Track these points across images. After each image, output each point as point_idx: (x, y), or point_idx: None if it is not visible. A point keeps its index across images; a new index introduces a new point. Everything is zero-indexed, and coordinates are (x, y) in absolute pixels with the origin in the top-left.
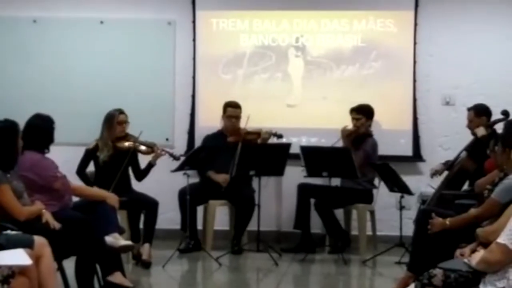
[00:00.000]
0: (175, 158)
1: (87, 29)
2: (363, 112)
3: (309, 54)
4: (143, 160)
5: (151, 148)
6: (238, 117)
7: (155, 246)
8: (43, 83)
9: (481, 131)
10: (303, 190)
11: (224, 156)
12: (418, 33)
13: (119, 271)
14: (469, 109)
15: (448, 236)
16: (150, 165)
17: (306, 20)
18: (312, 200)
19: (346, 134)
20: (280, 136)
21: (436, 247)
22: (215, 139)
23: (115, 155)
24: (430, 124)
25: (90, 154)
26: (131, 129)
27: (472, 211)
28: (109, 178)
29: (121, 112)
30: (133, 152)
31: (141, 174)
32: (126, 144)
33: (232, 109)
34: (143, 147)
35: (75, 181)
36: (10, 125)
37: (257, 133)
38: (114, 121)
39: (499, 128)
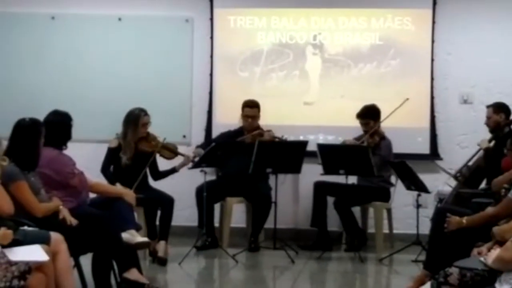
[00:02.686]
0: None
1: (105, 26)
2: (368, 116)
3: (327, 52)
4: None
5: (174, 155)
6: (254, 117)
7: (172, 243)
8: (61, 80)
9: (484, 143)
10: (320, 188)
11: (240, 154)
12: (436, 32)
13: (136, 268)
14: (488, 106)
15: (464, 235)
16: (174, 171)
17: (324, 18)
18: (330, 198)
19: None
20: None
21: (453, 246)
22: (233, 137)
23: (136, 156)
24: (447, 122)
25: (113, 153)
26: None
27: (489, 209)
28: (128, 178)
29: (145, 113)
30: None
31: (159, 175)
32: (150, 149)
33: (248, 109)
34: (166, 154)
35: (93, 178)
36: (34, 124)
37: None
38: (139, 122)
39: None
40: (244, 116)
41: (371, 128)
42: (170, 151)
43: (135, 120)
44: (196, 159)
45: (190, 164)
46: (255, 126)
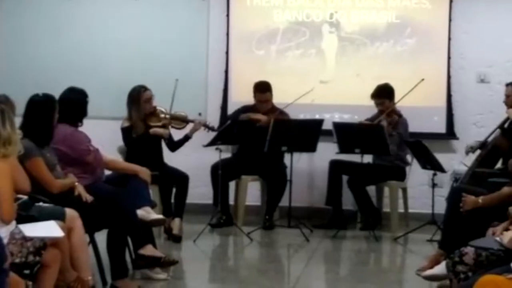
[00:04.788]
0: (211, 129)
1: (121, 4)
2: (383, 95)
3: (343, 30)
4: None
5: (185, 123)
6: (267, 101)
7: (187, 220)
8: (77, 57)
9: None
10: (335, 167)
11: (256, 132)
12: (453, 10)
13: (151, 245)
14: (507, 84)
15: (480, 214)
16: (187, 138)
17: None
18: (345, 177)
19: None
20: None
21: (468, 225)
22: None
23: (147, 132)
24: (464, 101)
25: (128, 131)
26: (166, 105)
27: (505, 189)
28: (142, 155)
29: (145, 89)
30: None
31: (175, 145)
32: (161, 123)
33: (259, 95)
34: (177, 124)
35: (108, 155)
36: (47, 100)
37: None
38: (140, 100)
39: None
40: (257, 101)
41: (387, 108)
42: (181, 120)
43: (136, 97)
44: (205, 122)
45: (206, 137)
46: (268, 108)
